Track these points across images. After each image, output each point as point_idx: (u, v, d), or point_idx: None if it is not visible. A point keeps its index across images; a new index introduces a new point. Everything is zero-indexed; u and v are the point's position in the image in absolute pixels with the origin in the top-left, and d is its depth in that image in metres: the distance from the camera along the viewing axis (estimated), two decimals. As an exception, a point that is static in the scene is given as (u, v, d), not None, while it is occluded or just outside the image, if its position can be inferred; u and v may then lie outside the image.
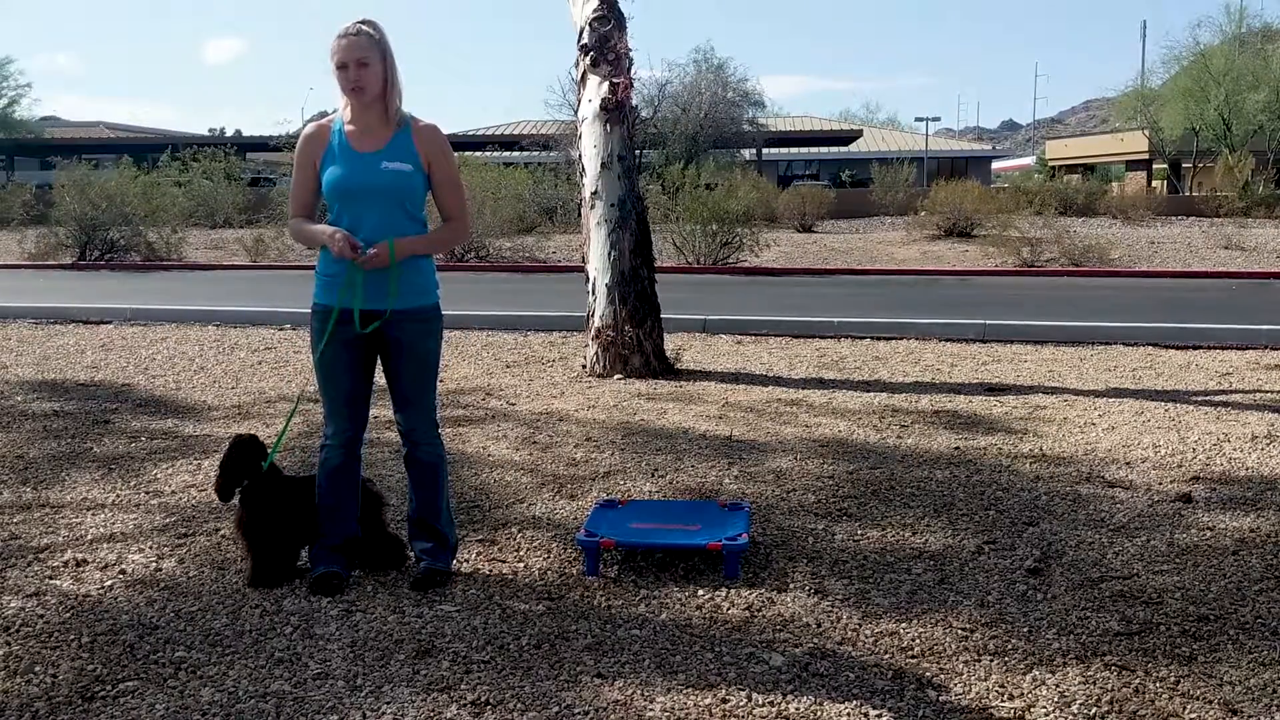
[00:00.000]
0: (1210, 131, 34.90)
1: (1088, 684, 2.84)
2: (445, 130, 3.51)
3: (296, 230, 3.52)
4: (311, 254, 3.59)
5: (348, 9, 3.40)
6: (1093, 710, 2.70)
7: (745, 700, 2.75)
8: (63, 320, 10.67)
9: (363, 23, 3.31)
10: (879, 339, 9.44)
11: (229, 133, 55.31)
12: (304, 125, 3.54)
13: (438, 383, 3.62)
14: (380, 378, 3.55)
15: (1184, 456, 5.19)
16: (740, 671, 2.91)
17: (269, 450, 3.56)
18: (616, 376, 7.44)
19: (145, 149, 38.18)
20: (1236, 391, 6.91)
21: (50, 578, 3.60)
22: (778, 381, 7.37)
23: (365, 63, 3.27)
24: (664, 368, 7.63)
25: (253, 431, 3.99)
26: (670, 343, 8.06)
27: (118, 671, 2.91)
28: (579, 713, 2.69)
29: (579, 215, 8.11)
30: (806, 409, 6.38)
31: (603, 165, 7.64)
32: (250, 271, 18.34)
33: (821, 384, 7.24)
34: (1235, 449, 5.32)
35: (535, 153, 33.53)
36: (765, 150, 40.22)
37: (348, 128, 3.39)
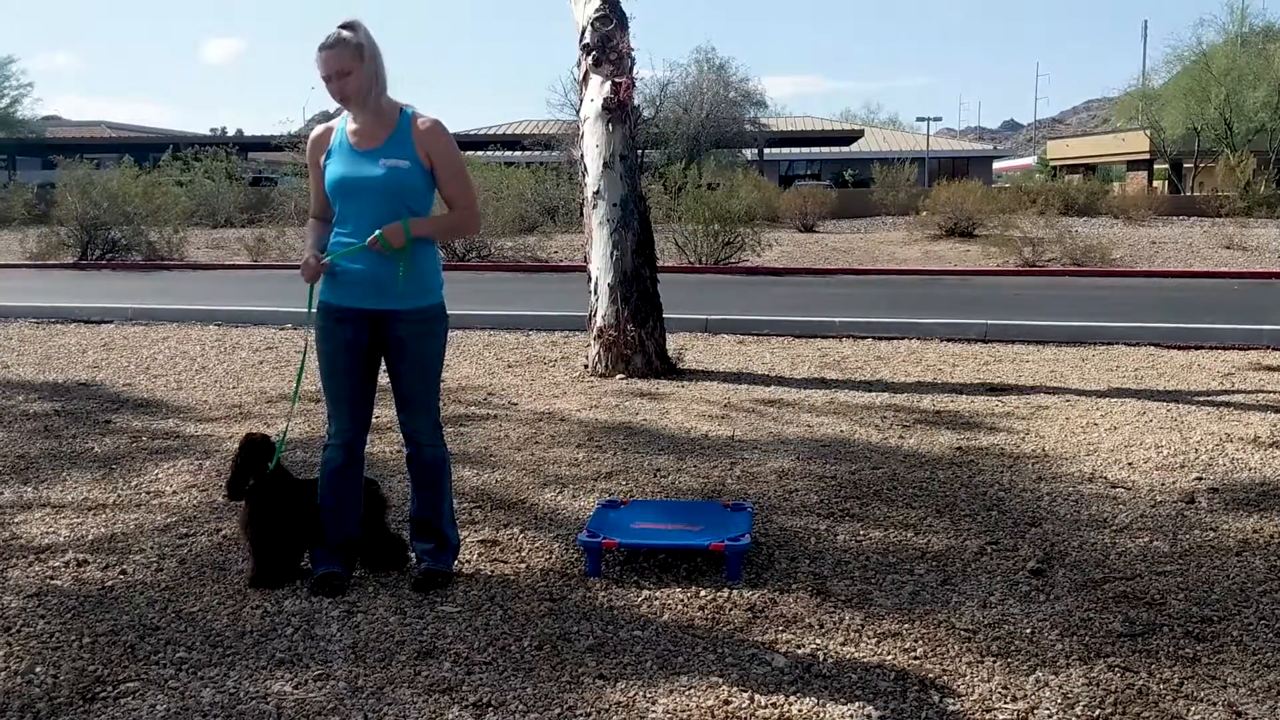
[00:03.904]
0: (1211, 131, 34.87)
1: (1091, 685, 2.83)
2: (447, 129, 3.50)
3: (306, 234, 3.59)
4: (313, 254, 3.60)
5: (347, 8, 3.40)
6: (1096, 712, 2.70)
7: (748, 701, 2.74)
8: (64, 320, 10.67)
9: (341, 28, 3.29)
10: (881, 339, 9.43)
11: (230, 132, 55.27)
12: (306, 125, 3.56)
13: (440, 383, 3.61)
14: (384, 378, 3.54)
15: (1186, 457, 5.18)
16: (743, 672, 2.91)
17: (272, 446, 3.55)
18: (619, 376, 7.43)
19: (147, 148, 38.14)
20: (1239, 392, 6.90)
21: (51, 578, 3.59)
22: (780, 381, 7.36)
23: (346, 72, 3.26)
24: (666, 367, 7.63)
25: (258, 431, 3.98)
26: (672, 342, 8.06)
27: (119, 672, 2.91)
28: (581, 714, 2.69)
29: (581, 215, 8.10)
30: (809, 409, 6.38)
31: (605, 165, 7.63)
32: (252, 271, 18.35)
33: (823, 384, 7.23)
34: (1238, 449, 5.31)
35: (537, 152, 33.54)
36: (767, 150, 40.21)
37: (350, 127, 3.40)
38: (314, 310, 3.48)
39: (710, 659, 2.99)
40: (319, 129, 3.49)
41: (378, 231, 3.30)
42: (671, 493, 4.62)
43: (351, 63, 3.27)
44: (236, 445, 3.54)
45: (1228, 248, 19.95)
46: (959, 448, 5.40)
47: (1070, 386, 7.11)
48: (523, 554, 3.84)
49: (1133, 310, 11.50)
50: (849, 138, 46.97)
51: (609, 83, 7.69)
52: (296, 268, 3.55)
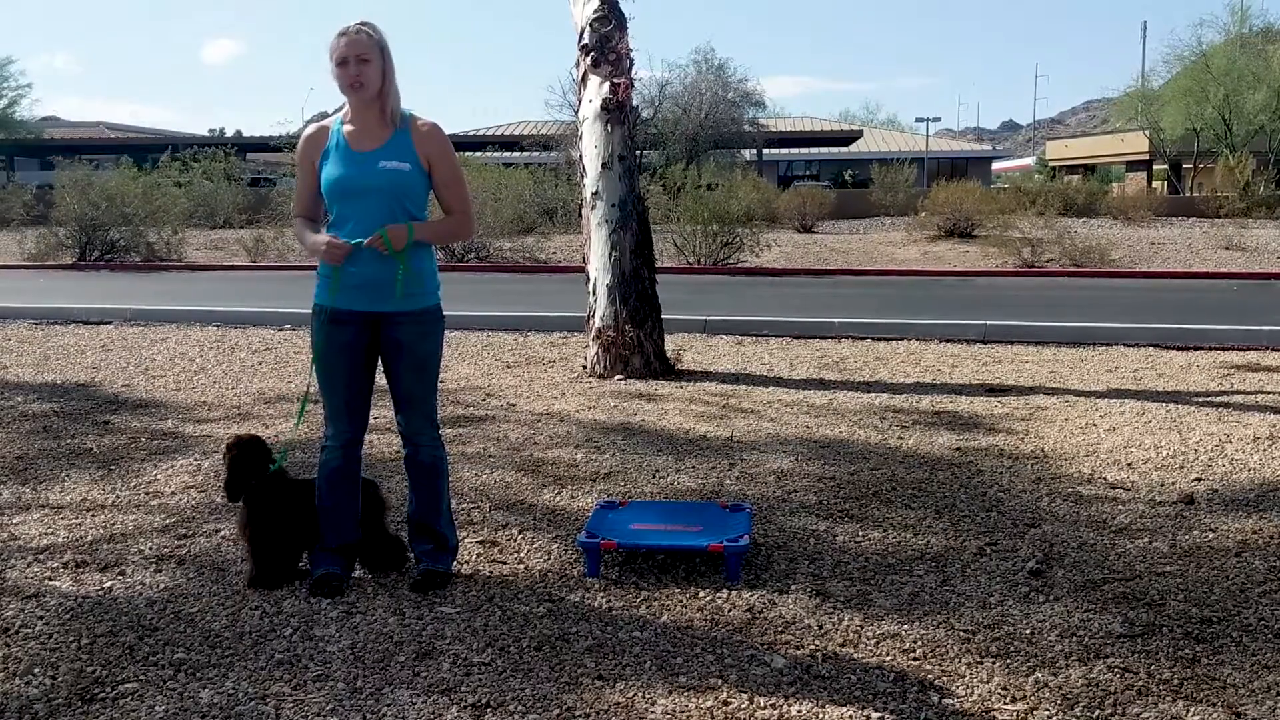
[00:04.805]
0: (1210, 132, 34.88)
1: (1090, 686, 2.83)
2: (446, 130, 3.50)
3: (297, 233, 3.57)
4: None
5: (345, 10, 3.42)
6: (1095, 712, 2.69)
7: (747, 702, 2.74)
8: (63, 320, 10.66)
9: (362, 24, 3.34)
10: (880, 340, 9.43)
11: (229, 133, 55.21)
12: (304, 126, 3.55)
13: (438, 384, 3.61)
14: (381, 379, 3.54)
15: (1186, 458, 5.18)
16: (742, 673, 2.90)
17: (272, 450, 3.55)
18: (617, 377, 7.43)
19: (145, 149, 38.18)
20: (1238, 392, 6.90)
21: (50, 579, 3.59)
22: (778, 382, 7.36)
23: (366, 59, 3.29)
24: (664, 368, 7.63)
25: (253, 432, 3.98)
26: (671, 343, 8.06)
27: (117, 673, 2.90)
28: (580, 715, 2.68)
29: (579, 216, 8.10)
30: (807, 410, 6.37)
31: (603, 166, 7.63)
32: (250, 272, 18.34)
33: (822, 385, 7.23)
34: (1237, 450, 5.31)
35: (536, 153, 33.53)
36: (765, 151, 40.22)
37: (346, 128, 3.39)
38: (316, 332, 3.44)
39: (709, 660, 2.99)
40: (313, 127, 3.48)
41: (382, 230, 3.30)
42: (670, 493, 4.62)
43: (372, 53, 3.30)
44: (225, 447, 3.52)
45: (1227, 248, 19.96)
46: (958, 449, 5.40)
47: (1069, 387, 7.11)
48: (521, 555, 3.84)
49: (1132, 311, 11.50)
50: (848, 138, 46.99)
51: (608, 83, 7.69)
52: (294, 269, 3.55)
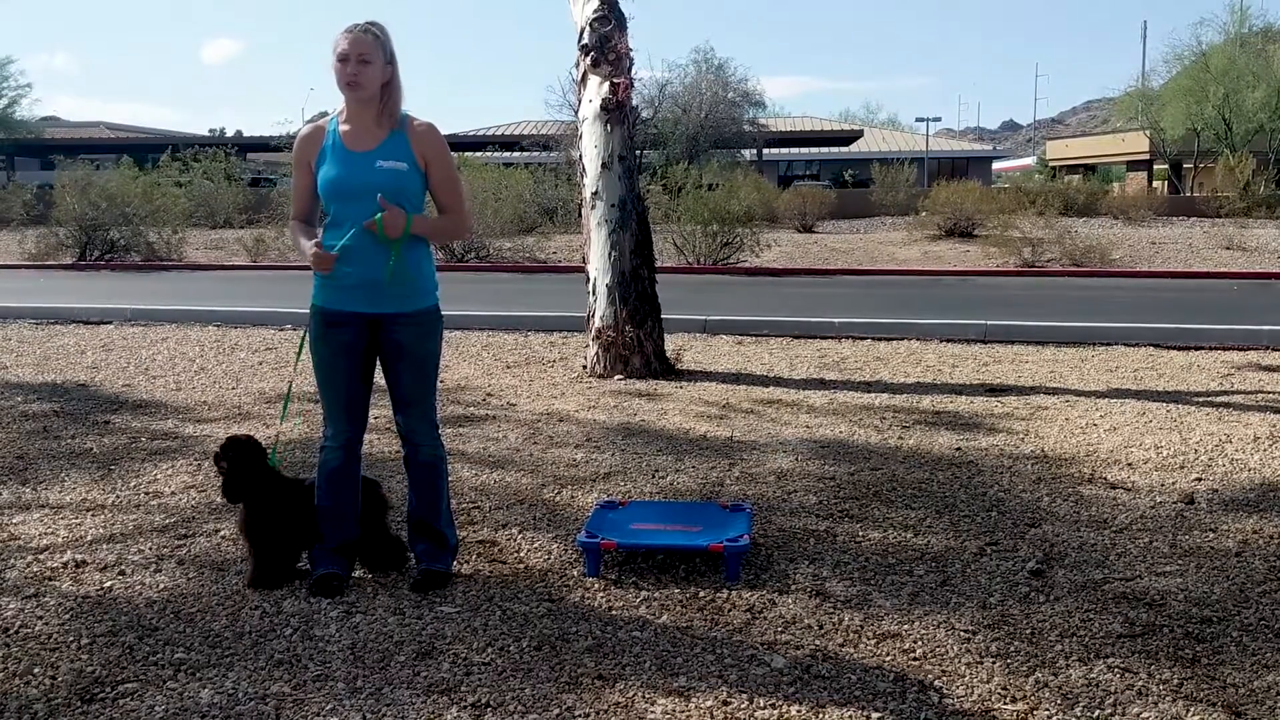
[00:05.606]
0: (1211, 131, 34.88)
1: (1091, 686, 2.83)
2: (445, 130, 3.50)
3: (292, 236, 3.56)
4: (311, 254, 3.59)
5: (346, 10, 3.43)
6: (1095, 713, 2.69)
7: (747, 702, 2.74)
8: (63, 320, 10.66)
9: (370, 24, 3.33)
10: (880, 339, 9.43)
11: (229, 133, 55.23)
12: (303, 126, 3.54)
13: (438, 383, 3.61)
14: (380, 379, 3.54)
15: (1186, 457, 5.18)
16: (742, 673, 2.90)
17: (268, 450, 3.55)
18: (617, 377, 7.43)
19: (145, 149, 38.17)
20: (1238, 392, 6.90)
21: (49, 579, 3.59)
22: (778, 382, 7.36)
23: (366, 60, 3.28)
24: (664, 368, 7.62)
25: (250, 432, 3.97)
26: (671, 343, 8.06)
27: (117, 673, 2.90)
28: (580, 715, 2.68)
29: (579, 216, 8.10)
30: (807, 410, 6.37)
31: (603, 165, 7.63)
32: (250, 272, 18.34)
33: (822, 384, 7.23)
34: (1237, 450, 5.31)
35: (536, 153, 33.53)
36: (766, 150, 40.22)
37: (343, 127, 3.38)
38: (305, 338, 3.45)
39: (709, 660, 2.99)
40: (308, 128, 3.47)
41: (378, 215, 3.29)
42: (670, 493, 4.62)
43: (374, 54, 3.30)
44: (219, 449, 3.50)
45: (1227, 248, 19.96)
46: (958, 448, 5.39)
47: (1070, 387, 7.11)
48: (521, 554, 3.84)
49: (1132, 311, 11.50)
50: (848, 138, 46.99)
51: (607, 83, 7.69)
52: (295, 269, 3.55)
